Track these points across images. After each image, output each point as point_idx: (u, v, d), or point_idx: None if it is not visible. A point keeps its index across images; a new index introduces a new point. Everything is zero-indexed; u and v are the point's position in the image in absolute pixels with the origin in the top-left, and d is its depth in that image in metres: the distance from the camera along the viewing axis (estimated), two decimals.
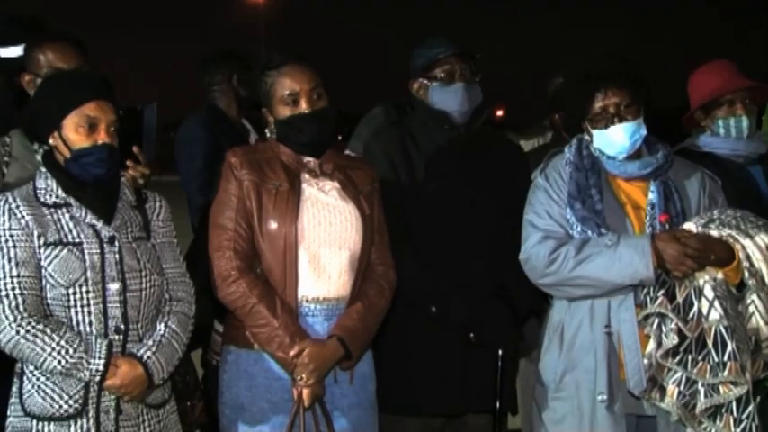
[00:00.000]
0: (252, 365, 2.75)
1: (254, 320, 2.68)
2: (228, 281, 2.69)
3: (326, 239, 2.73)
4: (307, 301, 2.73)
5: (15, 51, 3.71)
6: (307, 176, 2.79)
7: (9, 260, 2.46)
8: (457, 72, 3.16)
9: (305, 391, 2.65)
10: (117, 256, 2.54)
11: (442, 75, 3.17)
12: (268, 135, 2.87)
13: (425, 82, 3.21)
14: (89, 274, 2.50)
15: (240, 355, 2.77)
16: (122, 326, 2.53)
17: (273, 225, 2.71)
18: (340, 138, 5.28)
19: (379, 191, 2.90)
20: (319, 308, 2.74)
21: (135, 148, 2.80)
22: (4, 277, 2.46)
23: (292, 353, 2.65)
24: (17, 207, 2.50)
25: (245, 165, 2.75)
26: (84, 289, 2.49)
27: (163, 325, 2.61)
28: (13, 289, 2.45)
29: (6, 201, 2.52)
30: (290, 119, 2.78)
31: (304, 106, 2.76)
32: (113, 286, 2.52)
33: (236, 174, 2.74)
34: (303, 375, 2.64)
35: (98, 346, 2.47)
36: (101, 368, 2.47)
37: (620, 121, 2.90)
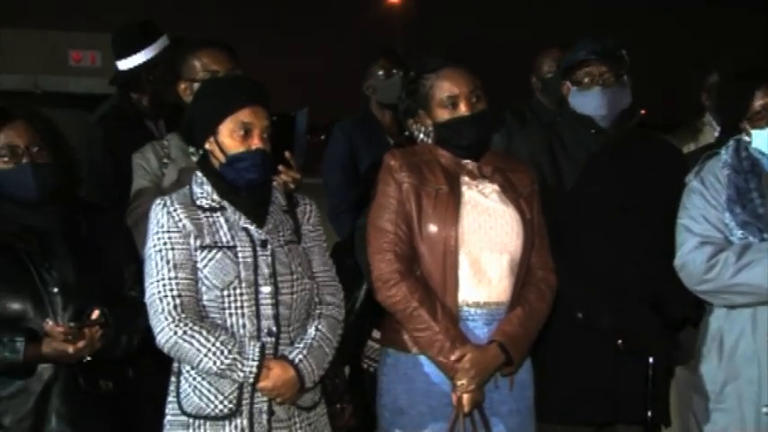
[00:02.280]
0: (411, 369, 2.73)
1: (414, 324, 2.66)
2: (389, 284, 2.68)
3: (487, 243, 2.69)
4: (467, 305, 2.69)
5: (133, 61, 3.76)
6: (466, 179, 2.76)
7: (167, 262, 2.51)
8: (596, 75, 3.08)
9: (465, 397, 2.62)
10: (269, 259, 2.55)
11: (582, 78, 3.10)
12: (416, 135, 2.84)
13: (569, 85, 3.16)
14: (243, 276, 2.52)
15: (399, 358, 2.76)
16: (274, 328, 2.54)
17: (433, 228, 2.68)
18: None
19: (539, 193, 2.85)
20: (479, 312, 2.70)
21: (287, 154, 2.83)
22: (163, 279, 2.50)
23: (453, 358, 2.62)
24: (174, 210, 2.55)
25: (404, 167, 2.73)
26: (237, 291, 2.52)
27: (313, 329, 2.62)
28: (171, 290, 2.49)
29: (165, 204, 2.57)
30: (449, 122, 2.75)
31: (463, 109, 2.74)
32: (266, 289, 2.53)
33: (395, 176, 2.73)
34: (463, 381, 2.61)
35: (251, 348, 2.50)
36: (254, 370, 2.48)
37: None
